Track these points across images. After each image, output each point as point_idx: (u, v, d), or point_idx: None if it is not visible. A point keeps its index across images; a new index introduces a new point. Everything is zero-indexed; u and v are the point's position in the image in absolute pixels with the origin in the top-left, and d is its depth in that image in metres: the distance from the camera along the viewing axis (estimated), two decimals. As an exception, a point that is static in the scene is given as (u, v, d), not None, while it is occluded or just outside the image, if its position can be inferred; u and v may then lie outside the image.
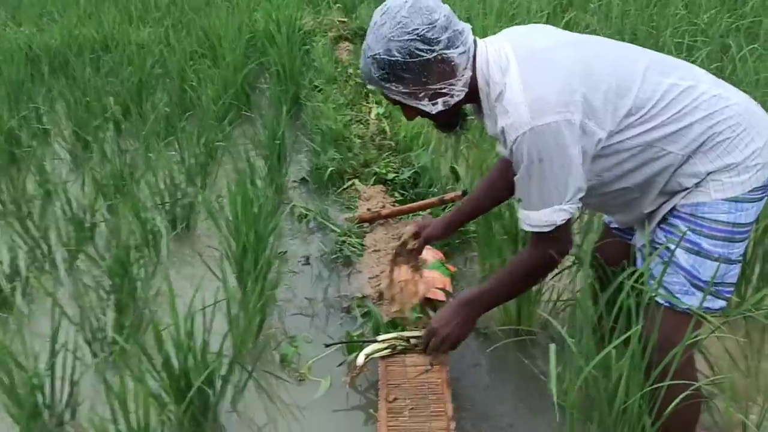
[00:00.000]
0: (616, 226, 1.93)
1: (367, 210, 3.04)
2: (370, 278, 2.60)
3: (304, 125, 4.15)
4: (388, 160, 3.48)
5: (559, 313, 2.24)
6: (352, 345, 2.16)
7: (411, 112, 1.67)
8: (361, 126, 3.92)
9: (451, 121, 1.71)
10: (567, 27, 4.22)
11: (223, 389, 1.92)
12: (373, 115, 4.06)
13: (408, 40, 1.51)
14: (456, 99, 1.60)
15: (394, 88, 1.58)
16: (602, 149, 1.56)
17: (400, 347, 2.01)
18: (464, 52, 1.57)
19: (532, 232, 1.64)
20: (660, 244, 1.62)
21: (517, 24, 2.10)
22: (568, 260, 2.13)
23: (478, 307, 1.83)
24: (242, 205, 2.56)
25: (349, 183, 3.39)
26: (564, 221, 1.58)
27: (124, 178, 3.30)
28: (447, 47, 1.54)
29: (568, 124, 1.48)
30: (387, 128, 3.81)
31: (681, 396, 1.49)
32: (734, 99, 1.58)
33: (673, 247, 1.57)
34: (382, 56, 1.54)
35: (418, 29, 1.51)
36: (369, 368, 2.01)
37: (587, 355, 1.58)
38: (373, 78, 1.59)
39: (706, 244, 1.56)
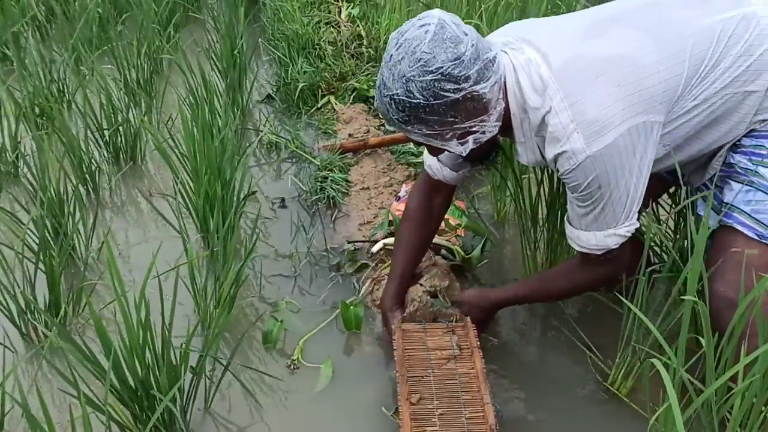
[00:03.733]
0: None
1: (349, 137, 2.55)
2: (360, 224, 2.15)
3: (263, 29, 3.55)
4: (368, 72, 2.96)
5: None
6: (349, 321, 1.76)
7: (437, 151, 1.45)
8: (332, 30, 3.34)
9: (482, 154, 1.47)
10: None
11: (192, 390, 1.50)
12: (344, 16, 3.47)
13: (431, 80, 1.25)
14: (489, 135, 1.36)
15: (416, 130, 1.33)
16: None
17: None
18: (496, 83, 1.31)
19: (581, 252, 1.45)
20: (741, 169, 1.37)
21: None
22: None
23: (502, 306, 1.71)
24: (201, 136, 2.04)
25: (324, 101, 2.87)
26: (618, 245, 1.39)
27: (49, 99, 2.71)
28: (477, 82, 1.28)
29: (633, 133, 1.27)
30: (363, 32, 3.25)
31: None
32: None
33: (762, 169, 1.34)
34: (401, 98, 1.28)
35: (442, 67, 1.24)
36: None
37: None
38: (392, 120, 1.35)
39: None
